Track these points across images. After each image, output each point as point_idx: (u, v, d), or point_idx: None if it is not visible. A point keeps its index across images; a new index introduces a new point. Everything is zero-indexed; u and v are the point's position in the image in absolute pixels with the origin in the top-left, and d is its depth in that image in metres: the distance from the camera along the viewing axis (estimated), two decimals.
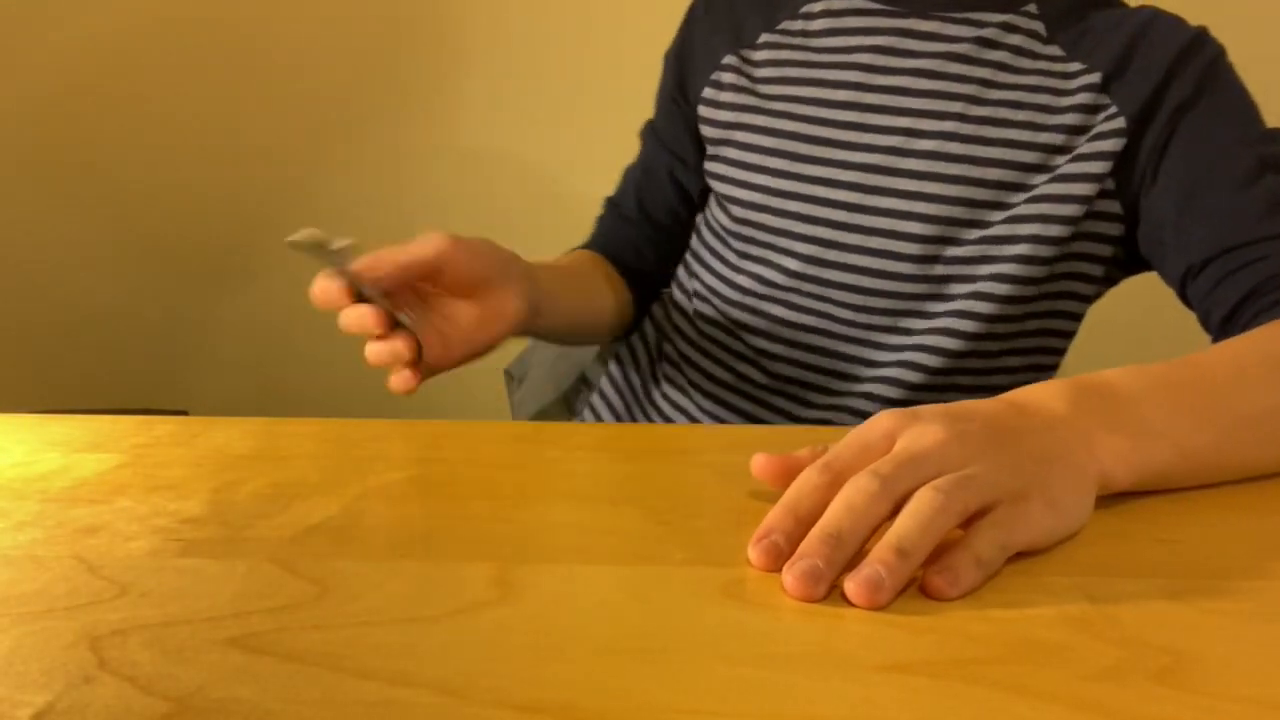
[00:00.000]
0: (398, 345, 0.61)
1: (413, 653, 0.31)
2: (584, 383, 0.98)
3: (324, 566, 0.37)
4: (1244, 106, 0.71)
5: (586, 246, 0.93)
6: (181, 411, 1.25)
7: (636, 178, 0.93)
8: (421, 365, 0.64)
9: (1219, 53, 0.72)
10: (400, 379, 0.63)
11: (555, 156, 1.60)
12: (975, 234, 0.74)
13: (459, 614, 0.34)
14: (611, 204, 0.94)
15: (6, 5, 1.50)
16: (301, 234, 0.59)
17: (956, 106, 0.74)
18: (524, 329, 0.72)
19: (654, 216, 0.92)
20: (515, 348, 1.16)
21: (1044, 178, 0.72)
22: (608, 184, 0.96)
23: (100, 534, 0.40)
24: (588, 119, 1.57)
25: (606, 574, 0.37)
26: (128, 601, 0.35)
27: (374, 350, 0.62)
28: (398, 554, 0.39)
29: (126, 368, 1.66)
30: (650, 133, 0.93)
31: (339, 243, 0.60)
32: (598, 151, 1.27)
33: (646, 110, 0.95)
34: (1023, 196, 0.73)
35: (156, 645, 0.32)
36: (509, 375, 1.10)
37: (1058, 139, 0.72)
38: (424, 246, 0.62)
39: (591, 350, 1.02)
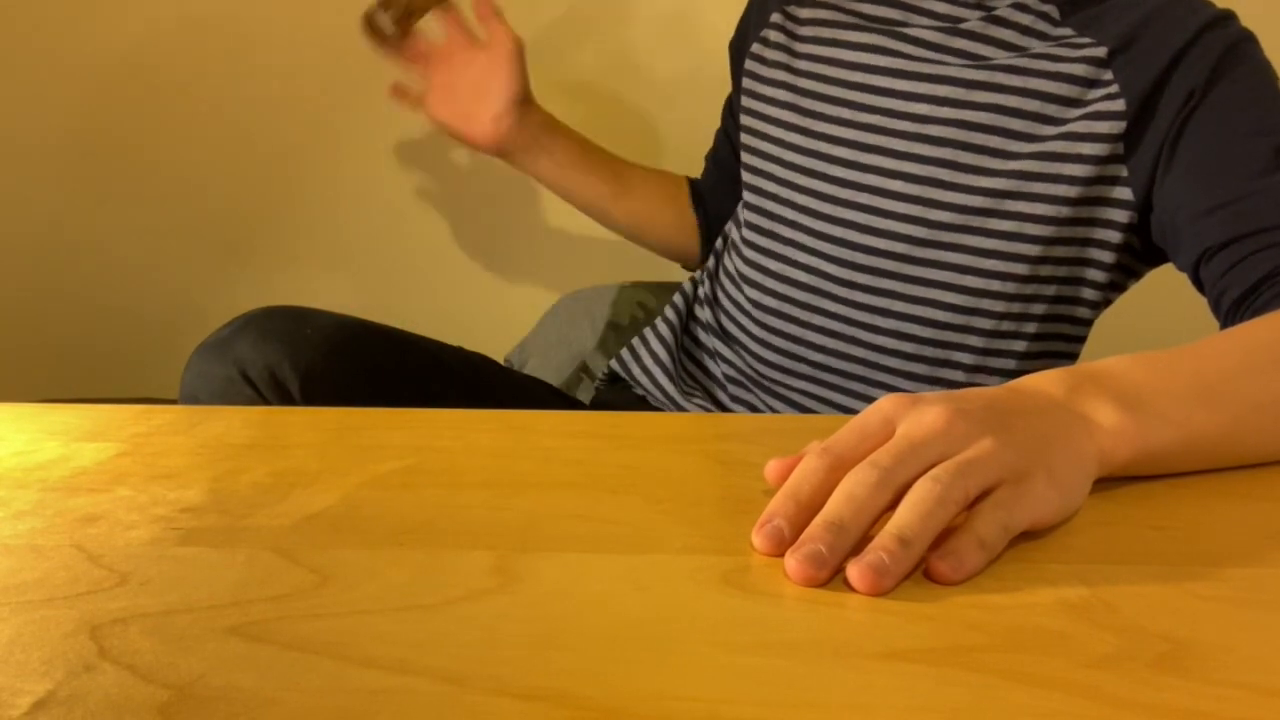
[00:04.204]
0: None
1: (413, 641, 0.31)
2: (584, 371, 0.98)
3: (324, 555, 0.38)
4: (1266, 93, 0.69)
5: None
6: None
7: (718, 132, 1.05)
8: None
9: (1241, 37, 0.70)
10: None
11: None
12: (960, 199, 0.74)
13: (459, 602, 0.34)
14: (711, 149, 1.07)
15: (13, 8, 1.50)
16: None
17: (952, 72, 0.75)
18: (510, 144, 0.98)
19: (725, 170, 1.03)
20: (515, 338, 1.16)
21: (1030, 148, 0.72)
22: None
23: (100, 523, 0.40)
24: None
25: (606, 562, 0.37)
26: (128, 590, 0.35)
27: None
28: (397, 542, 0.39)
29: (126, 357, 1.66)
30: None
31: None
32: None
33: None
34: (1009, 165, 0.72)
35: (157, 634, 0.32)
36: (508, 363, 1.10)
37: (1048, 108, 0.72)
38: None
39: (592, 340, 1.03)
